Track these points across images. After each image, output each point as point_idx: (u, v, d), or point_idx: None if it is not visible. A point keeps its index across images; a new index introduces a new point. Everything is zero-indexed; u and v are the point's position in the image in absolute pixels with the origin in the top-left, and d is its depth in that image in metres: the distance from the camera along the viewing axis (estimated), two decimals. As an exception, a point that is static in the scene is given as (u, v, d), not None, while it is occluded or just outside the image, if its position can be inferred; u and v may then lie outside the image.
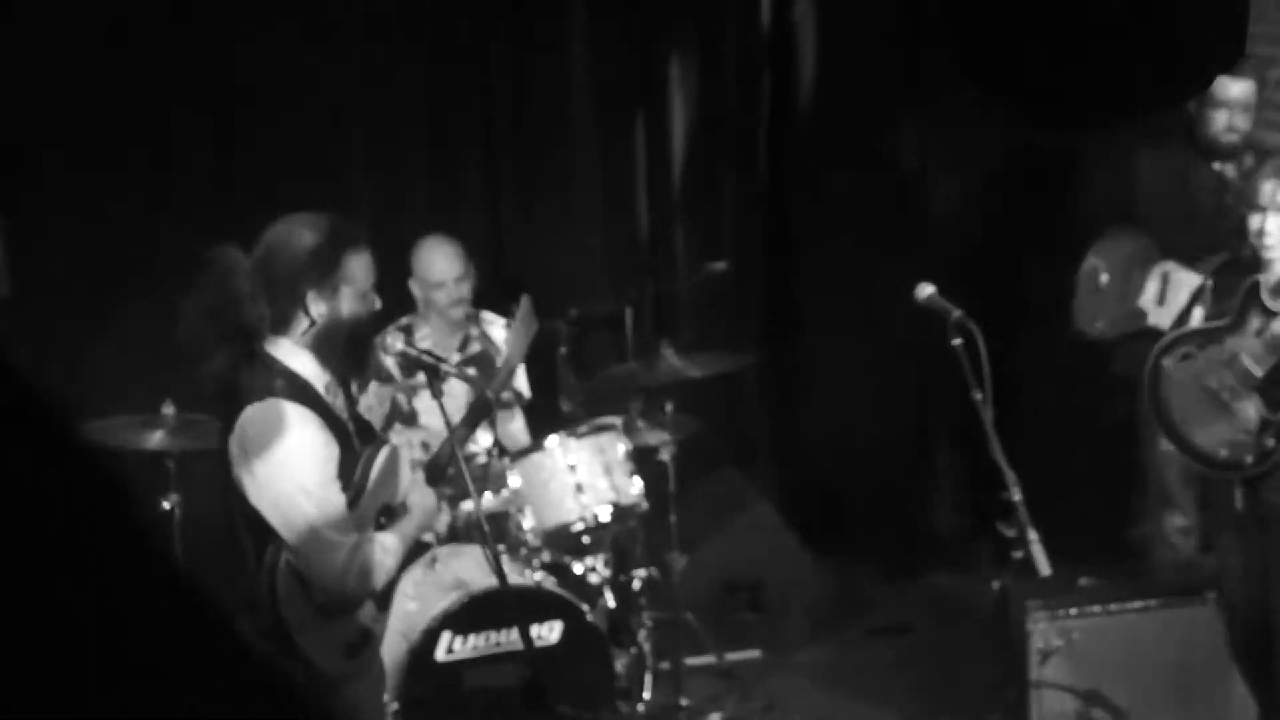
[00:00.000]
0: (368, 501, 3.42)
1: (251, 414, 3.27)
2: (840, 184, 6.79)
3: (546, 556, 5.24)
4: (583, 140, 6.82)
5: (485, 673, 4.82)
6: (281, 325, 3.36)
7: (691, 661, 5.67)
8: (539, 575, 5.05)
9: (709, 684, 5.71)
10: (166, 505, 4.95)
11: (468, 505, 5.27)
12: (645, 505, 5.32)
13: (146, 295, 5.72)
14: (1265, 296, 4.30)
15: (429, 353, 3.99)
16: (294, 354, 3.37)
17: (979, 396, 4.07)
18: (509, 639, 4.81)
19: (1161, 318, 5.18)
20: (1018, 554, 3.86)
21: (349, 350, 3.43)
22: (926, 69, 6.65)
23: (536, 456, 5.24)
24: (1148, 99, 1.99)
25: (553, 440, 5.24)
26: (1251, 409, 4.19)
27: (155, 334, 5.83)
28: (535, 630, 4.77)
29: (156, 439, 4.94)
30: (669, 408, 5.50)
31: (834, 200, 6.83)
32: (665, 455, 5.48)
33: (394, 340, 3.91)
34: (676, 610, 5.50)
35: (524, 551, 5.18)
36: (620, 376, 5.74)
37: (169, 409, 4.94)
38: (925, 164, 6.87)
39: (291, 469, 3.25)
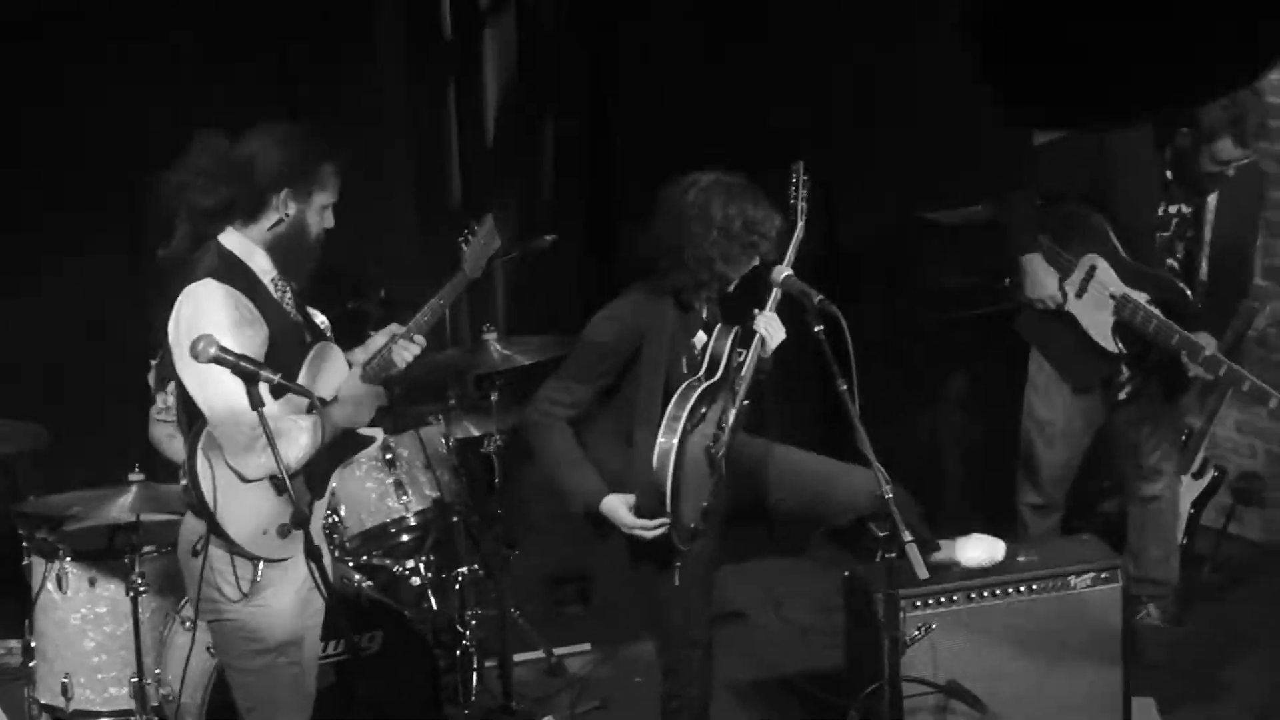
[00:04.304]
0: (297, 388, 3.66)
1: (187, 291, 3.51)
2: (666, 153, 6.50)
3: (365, 557, 4.96)
4: (390, 117, 6.48)
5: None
6: (248, 217, 3.58)
7: (520, 658, 5.41)
8: (358, 579, 4.76)
9: (539, 682, 5.46)
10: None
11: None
12: (469, 500, 5.07)
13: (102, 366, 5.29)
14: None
15: (254, 361, 3.67)
16: (247, 246, 3.59)
17: (844, 387, 3.81)
18: (329, 650, 4.55)
19: (1075, 309, 5.03)
20: (891, 555, 3.63)
21: (301, 259, 3.65)
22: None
23: (352, 453, 4.94)
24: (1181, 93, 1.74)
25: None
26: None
27: (117, 398, 5.38)
28: (356, 639, 4.51)
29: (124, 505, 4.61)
30: (494, 396, 5.21)
31: (659, 166, 6.55)
32: (490, 446, 5.21)
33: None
34: (503, 607, 5.24)
35: (338, 554, 4.89)
36: (441, 364, 5.44)
37: (137, 475, 4.64)
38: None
39: None
